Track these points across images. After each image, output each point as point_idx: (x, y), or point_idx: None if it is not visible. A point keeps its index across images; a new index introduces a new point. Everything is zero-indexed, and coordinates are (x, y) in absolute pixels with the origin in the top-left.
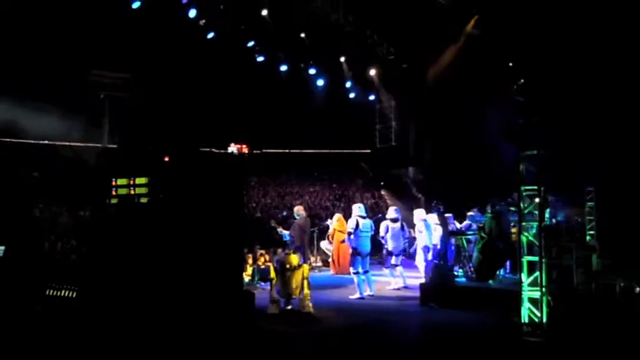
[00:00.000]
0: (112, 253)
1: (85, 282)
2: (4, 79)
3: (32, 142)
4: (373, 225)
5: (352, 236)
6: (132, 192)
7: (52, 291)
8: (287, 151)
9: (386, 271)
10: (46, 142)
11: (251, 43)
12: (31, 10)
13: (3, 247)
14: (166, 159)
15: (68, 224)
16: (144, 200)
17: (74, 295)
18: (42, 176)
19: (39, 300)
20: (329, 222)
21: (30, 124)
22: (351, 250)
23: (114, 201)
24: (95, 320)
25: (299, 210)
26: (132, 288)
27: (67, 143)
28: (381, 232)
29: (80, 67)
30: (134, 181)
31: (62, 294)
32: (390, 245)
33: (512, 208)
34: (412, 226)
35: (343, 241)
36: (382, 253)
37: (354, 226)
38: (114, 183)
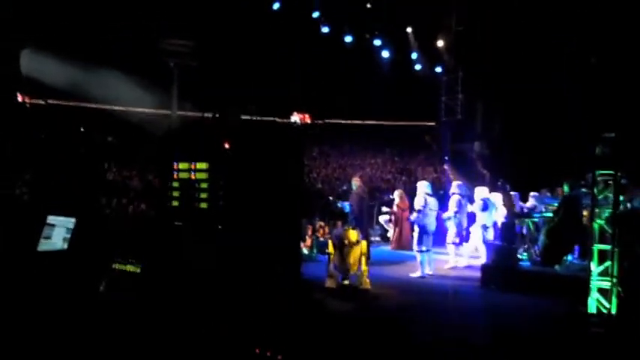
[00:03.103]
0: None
1: (149, 257)
2: (79, 49)
3: (106, 107)
4: (437, 203)
5: (417, 215)
6: (192, 177)
7: (117, 265)
8: (350, 122)
9: (450, 247)
10: (119, 108)
11: (316, 14)
12: None
13: (73, 220)
14: (226, 145)
15: (138, 188)
16: (203, 205)
17: (138, 270)
18: (115, 141)
19: (104, 276)
20: (392, 197)
21: (102, 90)
22: (418, 228)
23: (175, 184)
24: (156, 297)
25: (355, 181)
26: (192, 265)
27: (138, 109)
28: (455, 208)
29: (150, 35)
30: (195, 165)
31: (127, 269)
32: (460, 221)
33: (584, 190)
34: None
35: (409, 219)
36: (453, 229)
37: (424, 204)
38: (176, 167)
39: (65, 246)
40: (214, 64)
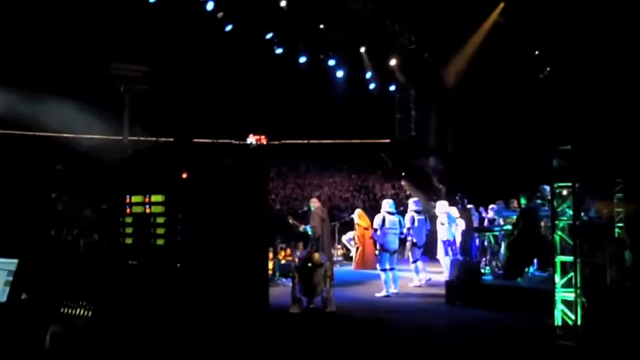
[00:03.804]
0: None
1: (101, 301)
2: (25, 74)
3: (53, 135)
4: (403, 221)
5: (378, 232)
6: (147, 210)
7: (67, 309)
8: (306, 141)
9: (411, 266)
10: (68, 135)
11: (270, 35)
12: (50, 4)
13: (15, 261)
14: (184, 175)
15: (91, 218)
16: (160, 242)
17: (89, 315)
18: (65, 169)
19: (52, 322)
20: (352, 216)
21: (50, 117)
22: (378, 247)
23: (128, 220)
24: (109, 346)
25: (314, 202)
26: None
27: (88, 136)
28: (407, 224)
29: (100, 60)
30: (149, 198)
31: (77, 312)
32: (416, 238)
33: (539, 201)
34: (433, 218)
35: (371, 237)
36: (408, 247)
37: (381, 223)
38: (128, 200)
39: (6, 293)
40: (167, 88)
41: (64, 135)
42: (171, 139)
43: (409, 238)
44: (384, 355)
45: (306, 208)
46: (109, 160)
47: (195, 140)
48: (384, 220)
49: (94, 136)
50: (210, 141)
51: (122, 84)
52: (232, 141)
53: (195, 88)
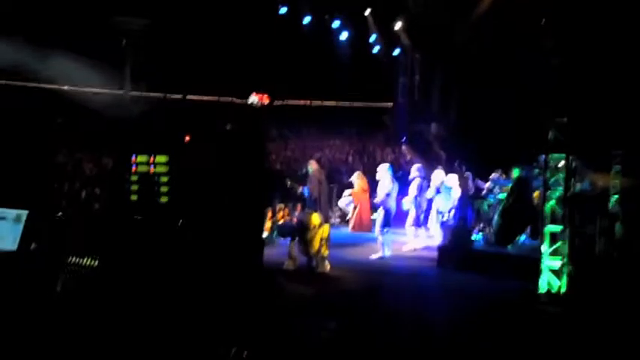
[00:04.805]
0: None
1: (108, 250)
2: (27, 27)
3: (55, 87)
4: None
5: (388, 197)
6: (152, 170)
7: (74, 258)
8: (308, 102)
9: (410, 231)
10: (68, 87)
11: None
12: None
13: (26, 212)
14: (187, 138)
15: (92, 171)
16: (164, 199)
17: (96, 264)
18: (65, 122)
19: (61, 272)
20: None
21: (51, 70)
22: (383, 210)
23: (134, 178)
24: (116, 292)
25: (312, 165)
26: (151, 256)
27: (89, 89)
28: (415, 192)
29: (101, 13)
30: (154, 158)
31: (84, 262)
32: (422, 204)
33: (537, 171)
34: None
35: (374, 202)
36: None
37: (391, 187)
38: (134, 160)
39: (16, 243)
40: (169, 44)
41: (65, 87)
42: (178, 95)
43: (411, 204)
44: (371, 314)
45: (305, 171)
46: (110, 115)
47: (198, 98)
48: (392, 184)
49: (95, 90)
50: (211, 99)
51: (124, 37)
52: (234, 99)
53: (199, 45)
